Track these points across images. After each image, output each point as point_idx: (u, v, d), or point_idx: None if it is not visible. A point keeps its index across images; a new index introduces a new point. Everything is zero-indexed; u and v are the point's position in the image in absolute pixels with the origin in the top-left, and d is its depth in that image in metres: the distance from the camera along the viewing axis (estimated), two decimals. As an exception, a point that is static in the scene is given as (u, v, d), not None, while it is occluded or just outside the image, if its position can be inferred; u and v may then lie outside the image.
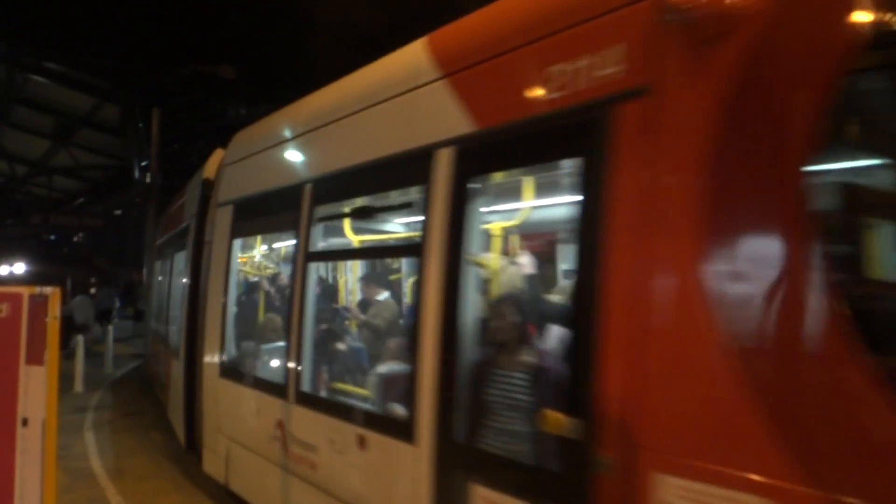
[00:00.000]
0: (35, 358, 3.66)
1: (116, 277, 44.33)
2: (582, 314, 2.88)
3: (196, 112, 25.80)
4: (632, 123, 2.75)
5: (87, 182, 31.41)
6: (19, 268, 47.64)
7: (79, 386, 14.24)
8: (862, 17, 2.24)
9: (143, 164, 24.63)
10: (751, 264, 2.37)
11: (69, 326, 23.16)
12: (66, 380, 14.51)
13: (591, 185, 2.89)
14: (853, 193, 2.41)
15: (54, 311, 3.82)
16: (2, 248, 44.97)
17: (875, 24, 2.24)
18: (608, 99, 2.84)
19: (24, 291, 3.68)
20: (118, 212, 30.79)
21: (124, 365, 18.00)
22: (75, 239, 56.20)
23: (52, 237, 61.77)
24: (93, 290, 40.35)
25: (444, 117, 3.75)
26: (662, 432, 2.54)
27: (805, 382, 2.24)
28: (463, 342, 3.58)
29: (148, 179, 22.49)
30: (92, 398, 13.31)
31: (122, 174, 27.67)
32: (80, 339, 14.99)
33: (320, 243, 5.28)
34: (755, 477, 2.30)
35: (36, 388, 3.63)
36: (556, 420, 2.89)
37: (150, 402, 12.30)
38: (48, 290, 3.77)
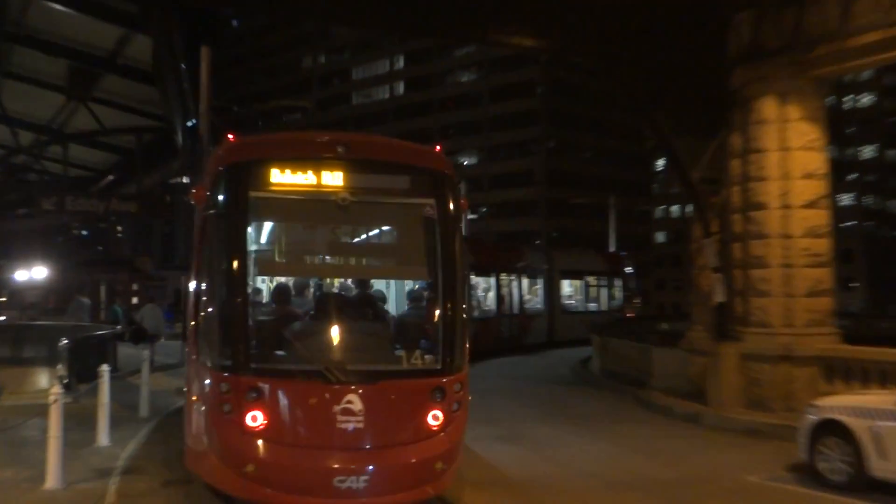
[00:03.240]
0: None
1: (163, 284, 45.11)
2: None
3: (264, 61, 25.18)
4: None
5: (115, 152, 31.68)
6: (40, 272, 48.94)
7: (102, 437, 13.71)
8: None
9: (190, 124, 24.28)
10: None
11: (139, 337, 24.48)
12: (85, 425, 14.05)
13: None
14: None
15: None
16: (15, 247, 46.41)
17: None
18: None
19: None
20: (168, 197, 31.00)
21: (168, 403, 17.65)
22: (118, 234, 57.62)
23: (84, 232, 63.44)
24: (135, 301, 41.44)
25: None
26: None
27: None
28: None
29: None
30: (120, 455, 12.87)
31: (162, 140, 27.57)
32: (103, 372, 14.39)
33: None
34: None
35: None
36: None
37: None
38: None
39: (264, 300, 11.80)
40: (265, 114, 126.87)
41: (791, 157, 18.23)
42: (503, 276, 34.59)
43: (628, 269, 45.92)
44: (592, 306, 41.23)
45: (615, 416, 18.47)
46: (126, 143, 30.35)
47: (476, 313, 31.70)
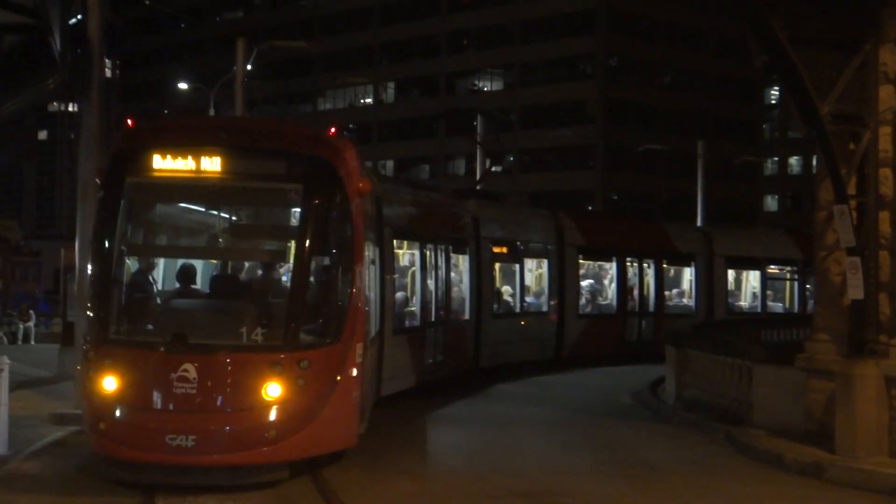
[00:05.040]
0: None
1: (38, 261, 45.22)
2: None
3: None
4: None
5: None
6: None
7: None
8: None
9: (74, 21, 24.20)
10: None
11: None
12: None
13: None
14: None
15: None
16: None
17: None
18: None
19: None
20: (43, 134, 30.99)
21: (37, 435, 17.69)
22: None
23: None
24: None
25: None
26: None
27: None
28: None
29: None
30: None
31: (33, 46, 27.55)
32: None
33: None
34: None
35: None
36: None
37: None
38: None
39: (159, 279, 17.82)
40: (192, 11, 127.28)
41: (973, 82, 18.17)
42: (630, 262, 37.51)
43: None
44: (777, 307, 43.19)
45: (696, 465, 18.54)
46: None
47: (588, 308, 37.60)
